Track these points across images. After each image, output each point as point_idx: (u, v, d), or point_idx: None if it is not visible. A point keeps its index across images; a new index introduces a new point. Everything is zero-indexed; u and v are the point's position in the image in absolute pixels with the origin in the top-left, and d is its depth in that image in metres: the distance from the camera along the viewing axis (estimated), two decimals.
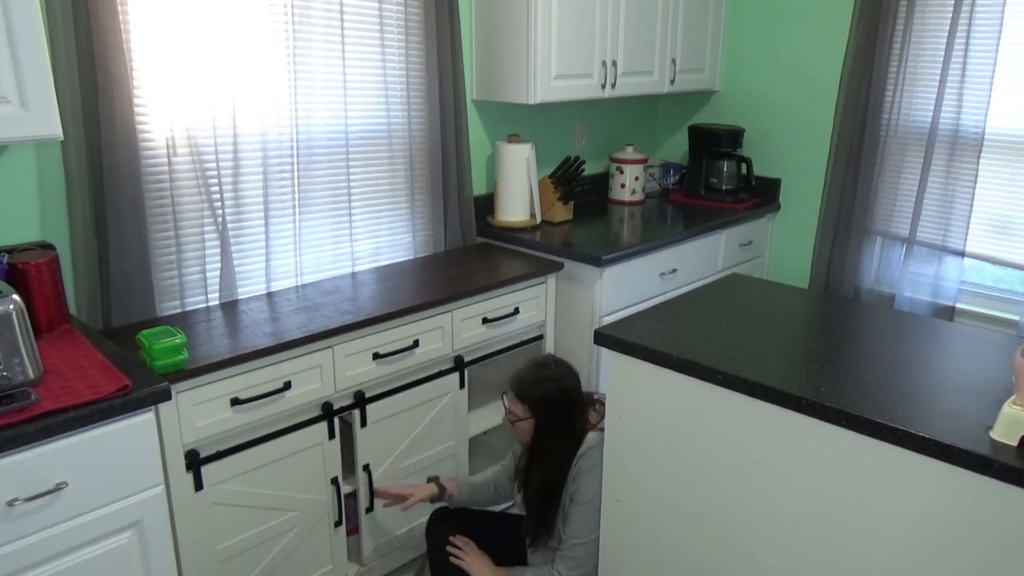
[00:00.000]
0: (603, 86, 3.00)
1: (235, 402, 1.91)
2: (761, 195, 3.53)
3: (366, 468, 2.26)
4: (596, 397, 2.14)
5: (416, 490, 2.24)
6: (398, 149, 2.68)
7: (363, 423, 2.22)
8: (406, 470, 2.39)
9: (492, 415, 2.74)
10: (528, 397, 2.04)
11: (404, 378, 2.30)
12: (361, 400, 2.20)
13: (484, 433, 2.77)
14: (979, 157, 2.83)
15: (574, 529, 2.00)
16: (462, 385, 2.47)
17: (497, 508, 2.67)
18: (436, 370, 2.39)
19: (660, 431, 1.76)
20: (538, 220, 3.05)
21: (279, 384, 1.99)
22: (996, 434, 1.33)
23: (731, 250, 3.32)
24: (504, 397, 2.11)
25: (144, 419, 1.59)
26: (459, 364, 2.45)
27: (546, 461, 2.05)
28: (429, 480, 2.29)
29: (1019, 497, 1.28)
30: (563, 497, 2.04)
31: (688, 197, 3.57)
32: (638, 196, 3.53)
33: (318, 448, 2.13)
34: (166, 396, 1.61)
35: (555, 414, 2.03)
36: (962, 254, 2.94)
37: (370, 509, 2.31)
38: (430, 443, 2.45)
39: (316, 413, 2.11)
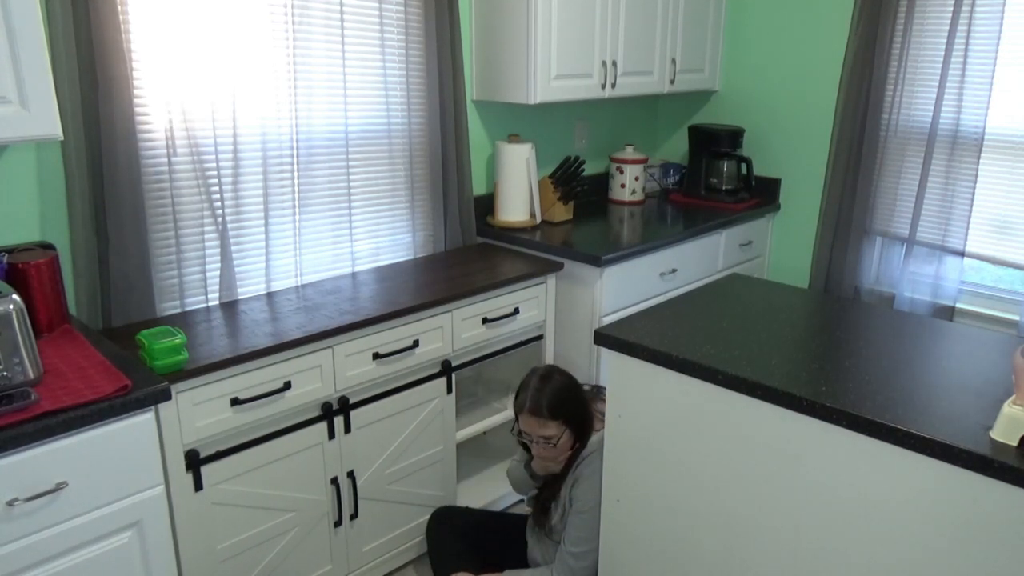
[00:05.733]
0: (603, 86, 3.00)
1: (235, 402, 1.91)
2: (761, 195, 3.53)
3: (350, 475, 2.23)
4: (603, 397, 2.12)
5: None
6: (398, 149, 2.67)
7: (347, 429, 2.19)
8: (392, 476, 2.35)
9: (492, 414, 2.74)
10: (560, 412, 1.98)
11: (391, 383, 2.28)
12: (345, 406, 2.17)
13: (484, 434, 2.78)
14: (979, 157, 2.83)
15: (572, 537, 1.99)
16: (449, 390, 2.44)
17: (499, 507, 2.67)
18: (427, 373, 2.36)
19: (660, 431, 1.76)
20: (538, 220, 3.05)
21: (279, 384, 1.99)
22: (996, 434, 1.33)
23: (731, 250, 3.32)
24: (523, 428, 2.02)
25: (144, 419, 1.59)
26: (447, 369, 2.42)
27: (573, 459, 2.02)
28: None
29: (1019, 497, 1.28)
30: (562, 492, 2.04)
31: (688, 197, 3.57)
32: (638, 196, 3.53)
33: (318, 448, 2.13)
34: (166, 396, 1.60)
35: (580, 414, 2.02)
36: (962, 254, 2.94)
37: (355, 516, 2.28)
38: (416, 449, 2.40)
39: (316, 413, 2.11)
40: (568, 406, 1.99)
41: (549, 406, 1.96)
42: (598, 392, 2.15)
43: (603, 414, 2.03)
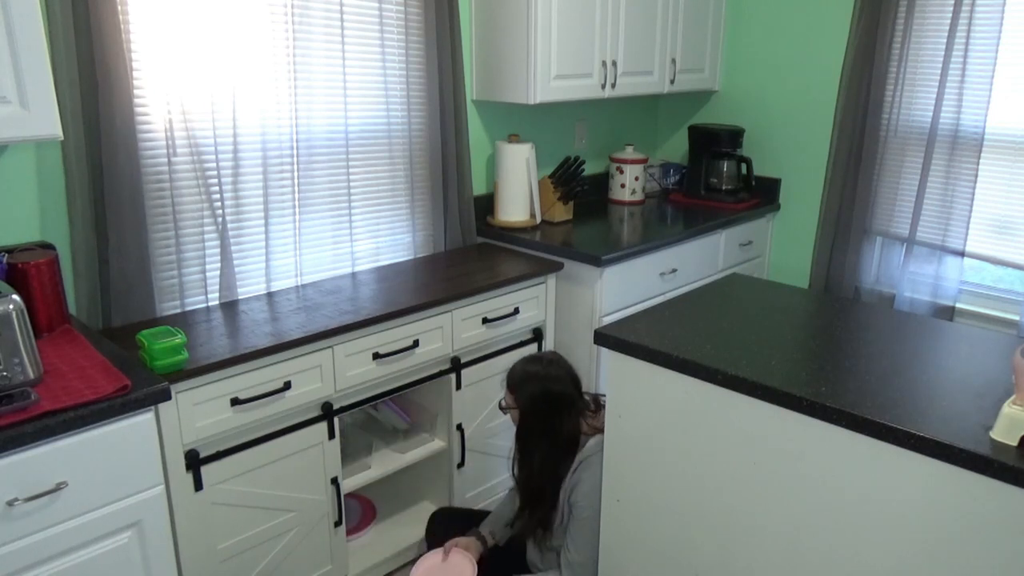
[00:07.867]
0: (603, 86, 3.00)
1: (235, 402, 1.91)
2: (761, 195, 3.53)
3: (459, 427, 2.48)
4: (602, 401, 2.10)
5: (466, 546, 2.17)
6: (398, 149, 2.67)
7: (458, 386, 2.44)
8: (492, 430, 2.60)
9: None
10: (515, 388, 2.05)
11: (390, 383, 2.28)
12: (457, 365, 2.41)
13: None
14: (979, 157, 2.83)
15: (574, 543, 1.99)
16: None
17: None
18: (428, 373, 2.39)
19: (660, 431, 1.76)
20: (538, 220, 3.05)
21: (279, 384, 1.99)
22: (996, 434, 1.33)
23: (731, 250, 3.32)
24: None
25: (144, 419, 1.59)
26: (537, 336, 2.68)
27: (530, 458, 2.04)
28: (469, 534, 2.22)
29: (1019, 497, 1.28)
30: (560, 499, 2.03)
31: (688, 197, 3.57)
32: (638, 196, 3.53)
33: (318, 448, 2.13)
34: (166, 396, 1.61)
35: (537, 412, 2.02)
36: (962, 254, 2.94)
37: (461, 464, 2.52)
38: None
39: (316, 413, 2.11)
40: (527, 389, 2.02)
41: (510, 375, 2.08)
42: (596, 403, 2.13)
43: (592, 426, 2.02)
